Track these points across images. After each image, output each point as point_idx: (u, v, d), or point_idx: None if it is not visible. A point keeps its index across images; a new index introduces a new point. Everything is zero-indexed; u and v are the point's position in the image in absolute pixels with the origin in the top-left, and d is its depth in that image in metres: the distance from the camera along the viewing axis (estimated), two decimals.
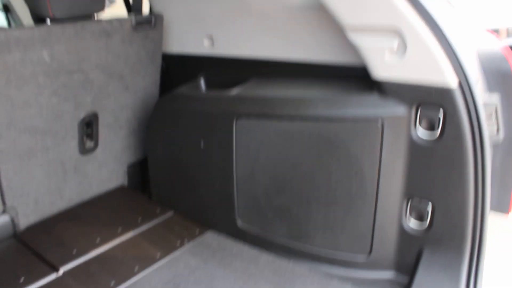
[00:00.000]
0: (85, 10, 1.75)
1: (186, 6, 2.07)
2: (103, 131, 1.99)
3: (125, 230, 1.81)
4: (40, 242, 1.71)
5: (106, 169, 2.09)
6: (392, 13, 1.31)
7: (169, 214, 1.96)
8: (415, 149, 1.40)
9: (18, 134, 1.63)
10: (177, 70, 2.26)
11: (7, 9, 3.39)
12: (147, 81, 2.10)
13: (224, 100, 1.72)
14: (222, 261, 1.63)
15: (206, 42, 2.06)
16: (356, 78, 1.60)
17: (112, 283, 1.50)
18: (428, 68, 1.31)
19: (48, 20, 1.65)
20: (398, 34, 1.33)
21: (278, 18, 1.77)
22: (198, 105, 1.79)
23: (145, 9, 2.24)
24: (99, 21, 1.79)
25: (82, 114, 1.86)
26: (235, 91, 1.73)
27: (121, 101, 2.02)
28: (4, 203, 1.70)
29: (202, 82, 1.91)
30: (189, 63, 2.17)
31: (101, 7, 1.82)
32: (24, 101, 1.61)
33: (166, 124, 1.90)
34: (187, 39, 2.15)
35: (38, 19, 1.69)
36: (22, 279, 1.49)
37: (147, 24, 1.98)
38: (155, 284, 1.50)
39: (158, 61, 2.13)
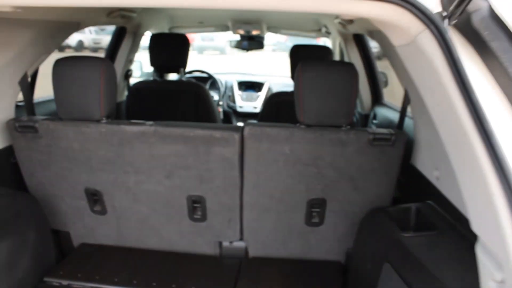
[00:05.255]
0: (332, 122, 2.03)
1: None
2: (330, 215, 2.25)
3: None
4: (253, 271, 2.25)
5: (328, 244, 2.33)
6: None
7: None
8: None
9: (261, 195, 2.20)
10: (413, 185, 2.21)
11: None
12: (379, 188, 2.18)
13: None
14: None
15: (435, 173, 1.93)
16: None
17: None
18: None
19: (298, 124, 2.06)
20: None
21: None
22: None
23: None
24: (338, 131, 2.02)
25: (311, 196, 2.19)
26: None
27: (350, 197, 2.20)
28: (241, 233, 2.31)
29: (413, 211, 1.89)
30: (423, 184, 2.05)
31: (347, 120, 2.03)
32: (267, 176, 2.14)
33: (371, 233, 1.97)
34: (424, 163, 2.09)
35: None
36: None
37: (384, 141, 2.03)
38: None
39: (393, 174, 2.14)
